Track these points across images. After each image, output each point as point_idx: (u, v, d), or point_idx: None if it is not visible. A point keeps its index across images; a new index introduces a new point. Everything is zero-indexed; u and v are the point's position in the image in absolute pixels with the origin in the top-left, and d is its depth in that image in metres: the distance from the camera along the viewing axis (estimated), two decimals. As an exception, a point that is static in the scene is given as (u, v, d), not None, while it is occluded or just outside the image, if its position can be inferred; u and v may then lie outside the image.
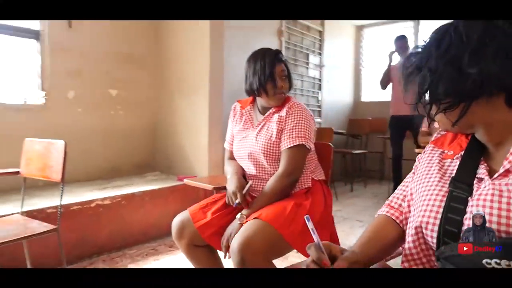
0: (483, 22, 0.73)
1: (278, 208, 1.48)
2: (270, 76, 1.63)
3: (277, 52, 1.69)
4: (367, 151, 5.26)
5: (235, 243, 1.36)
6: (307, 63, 5.04)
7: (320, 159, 1.78)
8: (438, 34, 0.76)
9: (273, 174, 1.62)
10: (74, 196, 2.60)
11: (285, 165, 1.59)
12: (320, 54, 5.24)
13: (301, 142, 1.59)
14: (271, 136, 1.64)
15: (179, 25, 3.53)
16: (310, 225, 0.76)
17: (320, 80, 5.24)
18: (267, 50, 1.70)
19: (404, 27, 5.73)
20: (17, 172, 2.04)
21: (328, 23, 5.26)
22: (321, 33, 5.21)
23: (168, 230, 1.80)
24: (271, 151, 1.64)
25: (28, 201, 2.37)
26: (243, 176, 1.72)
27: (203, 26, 3.29)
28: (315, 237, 0.76)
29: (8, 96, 2.89)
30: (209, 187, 1.98)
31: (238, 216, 1.54)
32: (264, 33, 4.24)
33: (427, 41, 0.78)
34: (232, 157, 1.84)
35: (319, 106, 5.27)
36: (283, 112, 1.65)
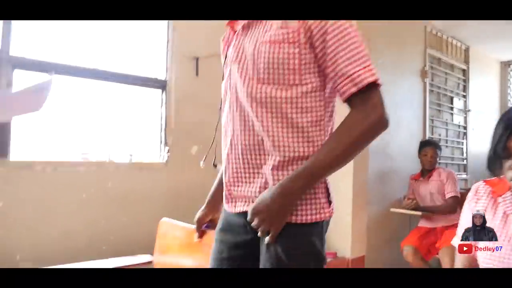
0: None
1: None
2: None
3: None
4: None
5: None
6: (451, 108, 4.20)
7: None
8: None
9: None
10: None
11: None
12: (464, 96, 4.37)
13: None
14: None
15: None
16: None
17: (465, 127, 4.34)
18: None
19: None
20: (150, 263, 1.56)
21: (473, 59, 4.41)
22: (465, 72, 4.37)
23: None
24: None
25: None
26: None
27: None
28: None
29: (131, 154, 2.56)
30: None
31: None
32: (405, 75, 3.56)
33: None
34: None
35: (465, 159, 4.32)
36: None
